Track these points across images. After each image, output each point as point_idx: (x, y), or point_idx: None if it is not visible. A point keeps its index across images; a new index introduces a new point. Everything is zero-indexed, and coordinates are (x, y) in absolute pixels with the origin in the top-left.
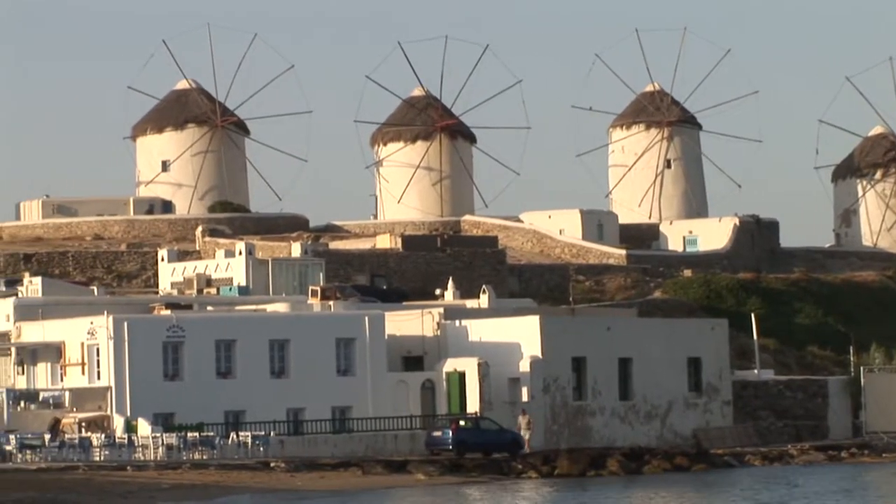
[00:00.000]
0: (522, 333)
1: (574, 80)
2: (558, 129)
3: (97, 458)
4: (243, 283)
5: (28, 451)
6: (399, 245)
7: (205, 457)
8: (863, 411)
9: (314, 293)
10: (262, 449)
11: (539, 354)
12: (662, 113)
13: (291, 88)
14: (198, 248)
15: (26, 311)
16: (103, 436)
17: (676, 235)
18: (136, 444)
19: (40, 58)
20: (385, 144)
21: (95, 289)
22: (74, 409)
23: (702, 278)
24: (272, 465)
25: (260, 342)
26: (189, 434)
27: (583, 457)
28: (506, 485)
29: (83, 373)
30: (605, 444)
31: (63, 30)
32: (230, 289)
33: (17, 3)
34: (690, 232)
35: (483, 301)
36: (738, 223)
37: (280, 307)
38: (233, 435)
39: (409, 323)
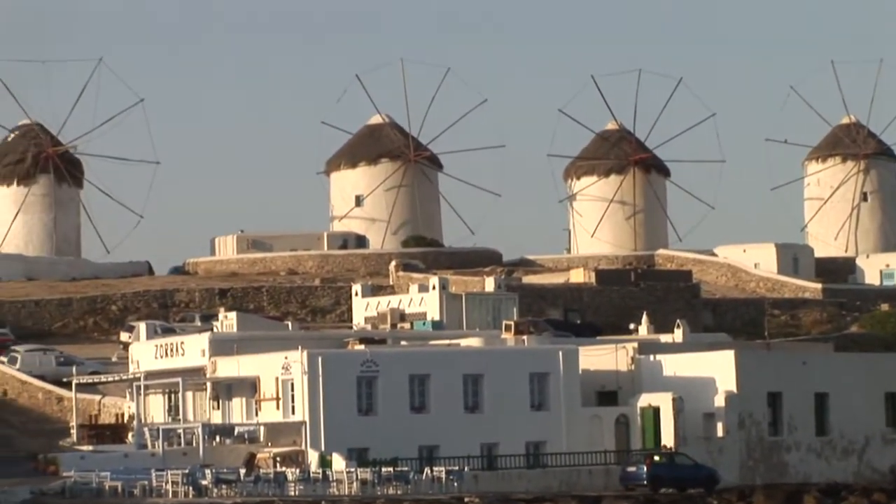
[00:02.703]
0: (717, 368)
1: (768, 112)
2: (753, 162)
3: (292, 493)
4: (437, 318)
5: (224, 486)
6: (593, 279)
7: (399, 492)
8: None
9: (508, 328)
10: (456, 484)
11: (734, 389)
12: (859, 145)
13: (484, 122)
14: (391, 282)
15: (221, 346)
16: (298, 470)
17: (873, 269)
18: (331, 479)
19: (235, 94)
20: (578, 178)
21: (290, 324)
22: (269, 444)
23: None
24: (466, 500)
25: (454, 377)
26: (383, 469)
27: (779, 493)
28: None
29: (278, 408)
30: (801, 481)
31: (257, 67)
32: (424, 323)
33: (213, 41)
34: (887, 265)
35: (677, 335)
36: None
37: (474, 342)
38: (427, 470)
39: (602, 357)
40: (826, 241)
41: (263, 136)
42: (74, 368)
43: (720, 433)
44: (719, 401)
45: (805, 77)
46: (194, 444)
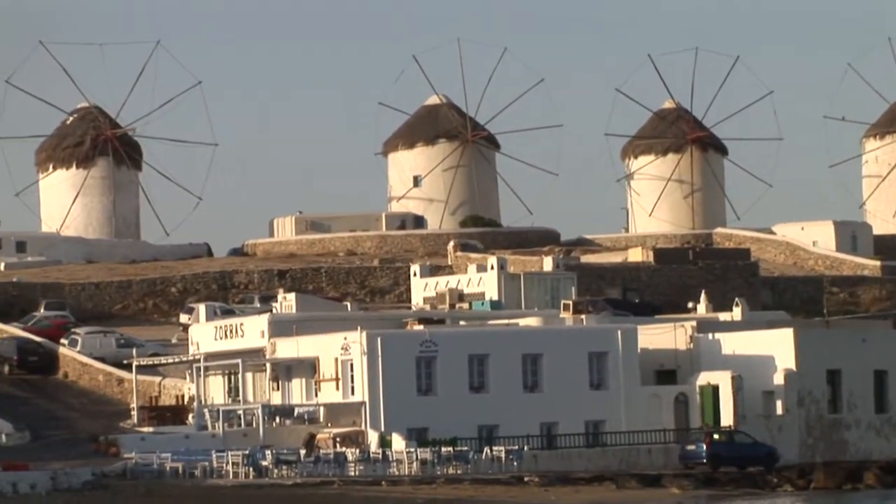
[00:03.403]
0: (776, 346)
1: (826, 90)
2: (810, 140)
3: (352, 474)
4: (495, 298)
5: (284, 467)
6: (651, 258)
7: (459, 471)
8: None
9: (566, 307)
10: (515, 463)
11: (793, 367)
12: None
13: (542, 102)
14: (450, 262)
15: (281, 328)
16: (358, 451)
17: None
18: (391, 459)
19: (292, 76)
20: (636, 157)
21: (349, 304)
22: (329, 425)
23: None
24: (526, 479)
25: (513, 357)
26: (443, 449)
27: (839, 470)
28: (761, 499)
29: (337, 388)
30: (861, 458)
31: (313, 48)
32: (482, 303)
33: (269, 23)
34: None
35: (736, 314)
36: None
37: (532, 321)
38: (486, 449)
39: (661, 336)
40: (884, 219)
41: (321, 116)
42: (134, 350)
43: (779, 411)
44: (778, 379)
45: (863, 54)
46: (254, 425)
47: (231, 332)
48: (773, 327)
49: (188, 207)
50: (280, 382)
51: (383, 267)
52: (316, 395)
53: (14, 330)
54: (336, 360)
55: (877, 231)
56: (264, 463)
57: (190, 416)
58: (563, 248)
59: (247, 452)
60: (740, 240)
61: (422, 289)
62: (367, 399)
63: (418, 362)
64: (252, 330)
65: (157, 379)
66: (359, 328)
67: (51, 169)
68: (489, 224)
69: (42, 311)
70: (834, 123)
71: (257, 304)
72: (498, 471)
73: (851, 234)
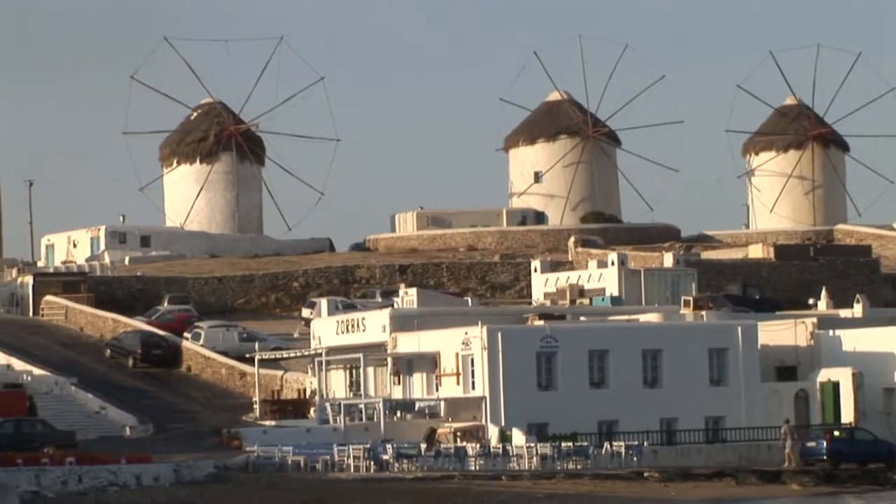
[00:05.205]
0: None
1: None
2: None
3: (472, 468)
4: (616, 294)
5: (405, 461)
6: (771, 255)
7: (578, 467)
8: None
9: (687, 303)
10: (635, 458)
11: None
12: None
13: (662, 99)
14: (570, 258)
15: (402, 322)
16: (478, 445)
17: None
18: (511, 454)
19: (414, 71)
20: (756, 154)
21: (469, 299)
22: (450, 419)
23: None
24: (645, 474)
25: (633, 352)
26: (563, 444)
27: None
28: (882, 496)
29: (458, 383)
30: None
31: (435, 45)
32: (602, 299)
33: (391, 19)
34: None
35: (857, 310)
36: None
37: (652, 317)
38: (606, 444)
39: (781, 333)
40: None
41: (443, 112)
42: (257, 344)
43: None
44: None
45: None
46: (375, 419)
47: (353, 326)
48: (895, 324)
49: (310, 202)
50: (401, 377)
51: (504, 262)
52: (437, 389)
53: (138, 323)
54: (457, 354)
55: None
56: (385, 457)
57: (312, 409)
58: (684, 244)
59: (368, 446)
60: (861, 236)
61: (542, 284)
62: (487, 394)
63: (538, 357)
64: (373, 324)
65: (280, 373)
66: (479, 323)
67: (175, 164)
68: (610, 220)
69: (166, 304)
70: None
71: (379, 299)
72: (617, 466)
73: None
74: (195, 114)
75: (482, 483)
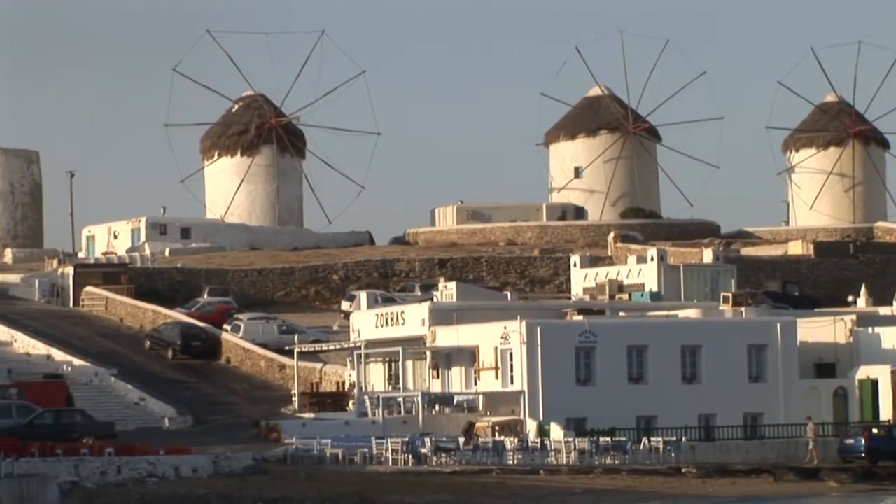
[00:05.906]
0: None
1: None
2: None
3: (510, 462)
4: (655, 289)
5: (443, 454)
6: (811, 251)
7: (616, 462)
8: None
9: (726, 299)
10: (673, 454)
11: None
12: None
13: (703, 95)
14: (610, 253)
15: (441, 316)
16: (516, 440)
17: None
18: (549, 449)
19: (455, 65)
20: (797, 150)
21: (509, 294)
22: (488, 413)
23: None
24: (683, 470)
25: (672, 348)
26: (601, 439)
27: None
28: None
29: (496, 377)
30: None
31: (477, 39)
32: (642, 294)
33: (433, 13)
34: None
35: None
36: None
37: (691, 313)
38: (644, 440)
39: (821, 330)
40: None
41: (483, 107)
42: (296, 337)
43: None
44: None
45: None
46: (414, 412)
47: (392, 319)
48: None
49: (350, 195)
50: (440, 370)
51: (543, 257)
52: (475, 383)
53: (178, 315)
54: (496, 349)
55: None
56: (423, 450)
57: (350, 402)
58: (723, 240)
59: (406, 439)
60: None
61: (581, 279)
62: (526, 388)
63: (577, 352)
64: (413, 318)
65: (319, 365)
66: (518, 318)
67: (216, 156)
68: (649, 215)
69: (206, 296)
70: None
71: (418, 293)
72: (656, 461)
73: None
74: (236, 106)
75: (520, 477)
